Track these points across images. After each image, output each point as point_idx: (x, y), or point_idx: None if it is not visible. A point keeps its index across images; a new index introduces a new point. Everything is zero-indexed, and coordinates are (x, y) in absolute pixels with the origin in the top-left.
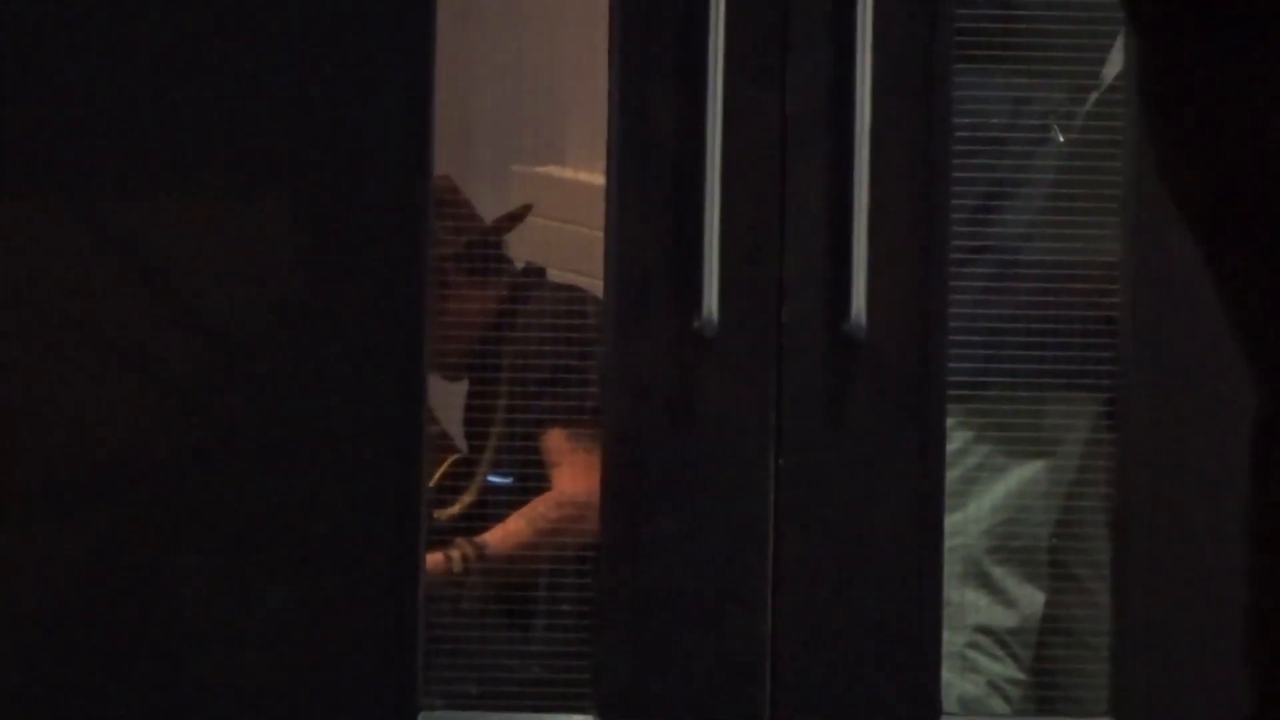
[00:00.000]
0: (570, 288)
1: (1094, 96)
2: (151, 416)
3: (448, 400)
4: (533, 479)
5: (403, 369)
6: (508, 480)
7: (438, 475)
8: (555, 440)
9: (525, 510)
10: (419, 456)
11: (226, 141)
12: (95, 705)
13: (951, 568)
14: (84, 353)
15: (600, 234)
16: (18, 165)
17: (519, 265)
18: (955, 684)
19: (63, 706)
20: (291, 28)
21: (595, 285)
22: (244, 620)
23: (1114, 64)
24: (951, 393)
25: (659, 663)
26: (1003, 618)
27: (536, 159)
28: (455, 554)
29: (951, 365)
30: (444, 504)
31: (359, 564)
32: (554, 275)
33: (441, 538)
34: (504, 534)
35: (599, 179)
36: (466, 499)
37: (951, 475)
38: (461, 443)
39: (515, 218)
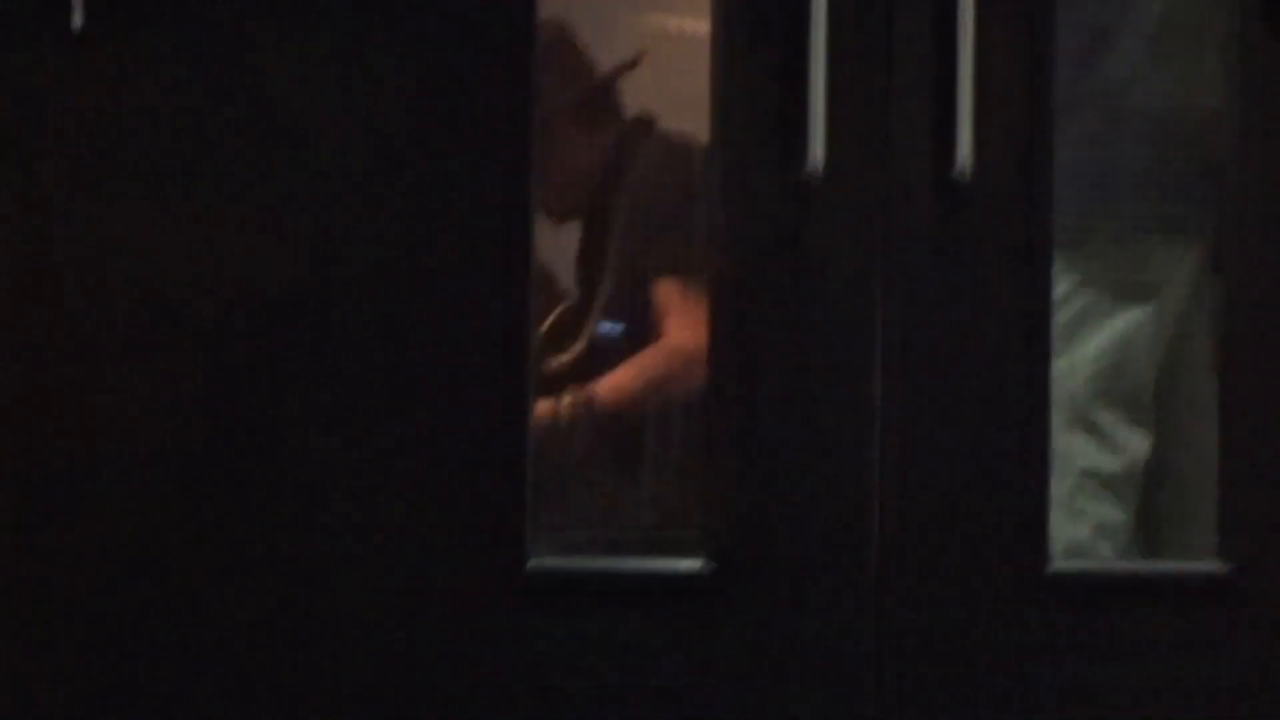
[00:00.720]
0: (681, 136)
1: None
2: (257, 254)
3: (559, 246)
4: (642, 327)
5: (509, 213)
6: (618, 328)
7: (547, 323)
8: (665, 290)
9: (635, 360)
10: (526, 300)
11: None
12: (214, 557)
13: (1057, 413)
14: (200, 199)
15: (701, 83)
16: (123, 7)
17: (629, 115)
18: (1062, 529)
19: (182, 557)
20: None
21: (703, 136)
22: (351, 466)
23: None
24: (1057, 239)
25: (768, 507)
26: (1108, 462)
27: (643, 7)
28: (564, 401)
29: (1057, 211)
30: (554, 351)
31: (466, 411)
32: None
33: (551, 385)
34: (613, 384)
35: (705, 28)
36: (576, 347)
37: (1057, 321)
38: (572, 289)
39: (627, 67)
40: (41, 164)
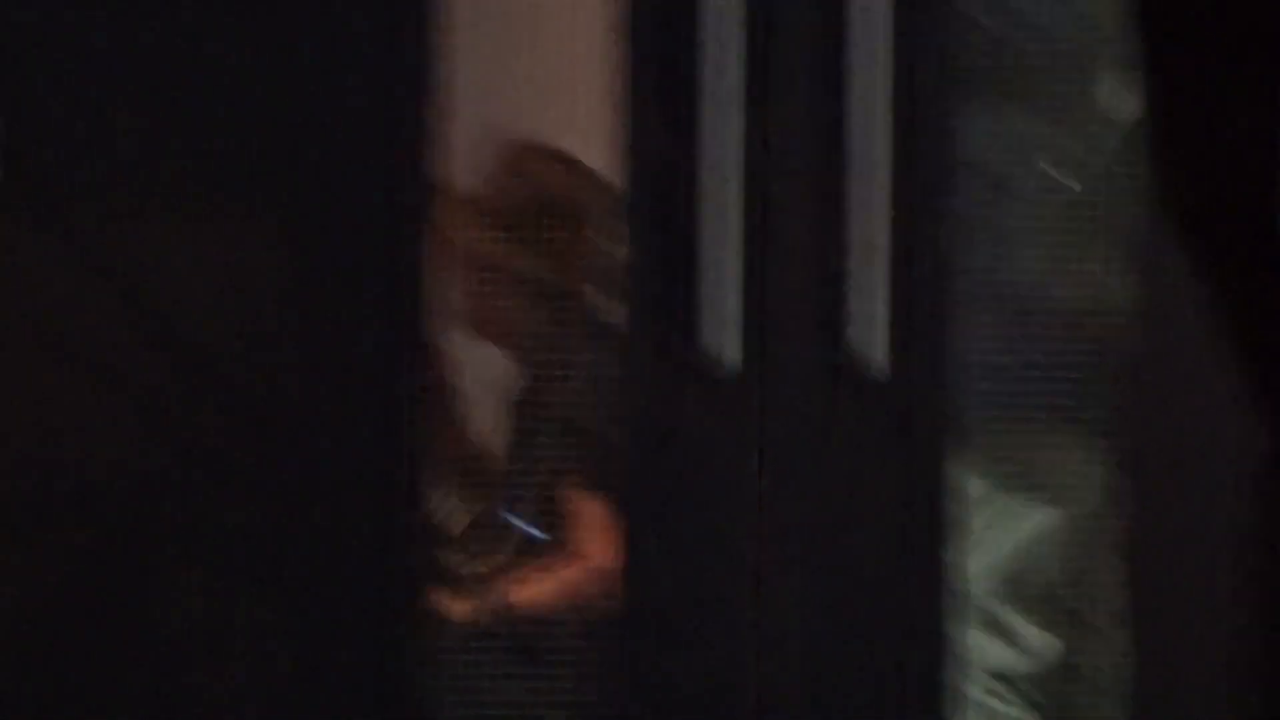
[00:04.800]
0: None
1: (1111, 143)
2: (137, 440)
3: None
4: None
5: (397, 384)
6: (541, 536)
7: (465, 523)
8: (592, 507)
9: (554, 572)
10: (418, 489)
11: (214, 159)
12: None
13: (967, 614)
14: (66, 372)
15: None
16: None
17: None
18: None
19: None
20: (281, 44)
21: None
22: (235, 646)
23: (1129, 111)
24: (967, 439)
25: (648, 685)
26: (1018, 663)
27: None
28: (478, 605)
29: (964, 408)
30: (470, 553)
31: (353, 596)
32: None
33: (467, 586)
34: (531, 594)
35: None
36: (498, 554)
37: (969, 523)
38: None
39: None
40: None
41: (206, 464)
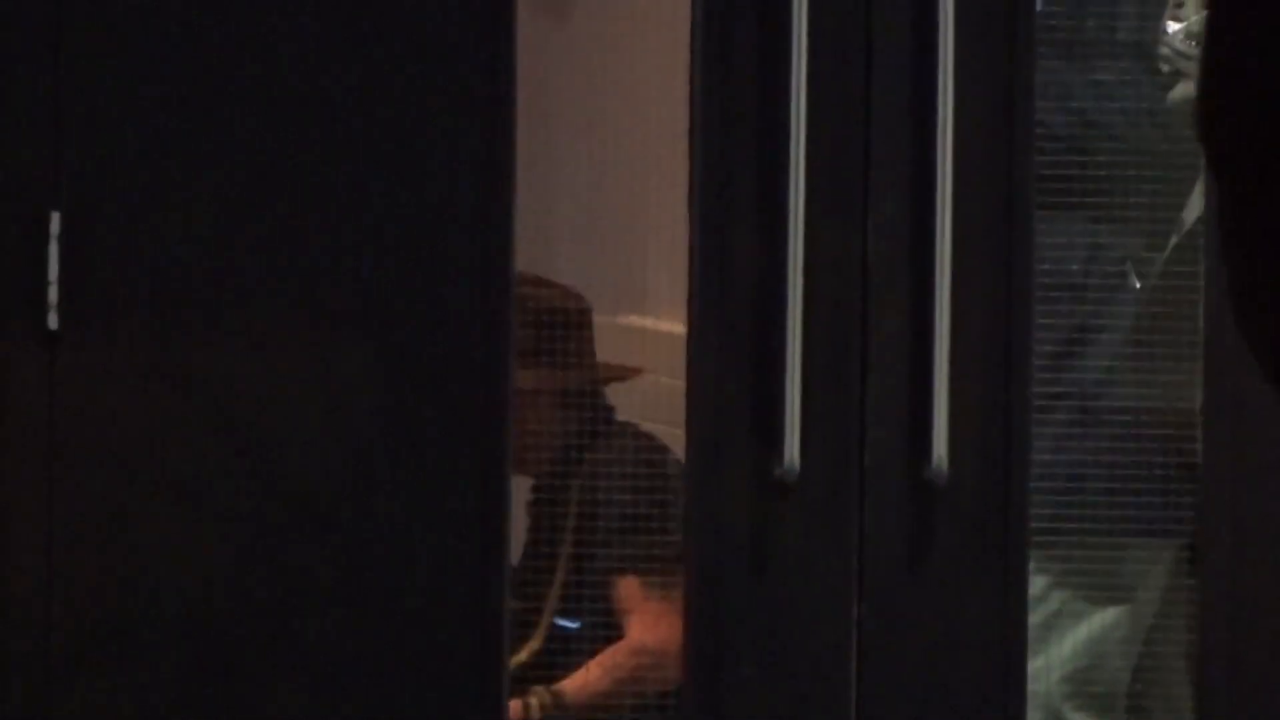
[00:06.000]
0: (647, 435)
1: (1173, 241)
2: (231, 567)
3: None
4: (601, 625)
5: (484, 508)
6: (575, 625)
7: None
8: (629, 588)
9: (601, 659)
10: (500, 607)
11: (306, 285)
12: None
13: (1030, 714)
14: (156, 492)
15: (678, 384)
16: (97, 309)
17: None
18: None
19: None
20: (376, 170)
21: (671, 433)
22: None
23: (1193, 209)
24: (1031, 538)
25: None
26: None
27: (617, 309)
28: (533, 701)
29: (1031, 511)
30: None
31: (439, 712)
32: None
33: (516, 684)
34: (581, 683)
35: (678, 327)
36: (533, 644)
37: (1030, 621)
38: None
39: (625, 374)
40: (5, 455)
41: (296, 581)
